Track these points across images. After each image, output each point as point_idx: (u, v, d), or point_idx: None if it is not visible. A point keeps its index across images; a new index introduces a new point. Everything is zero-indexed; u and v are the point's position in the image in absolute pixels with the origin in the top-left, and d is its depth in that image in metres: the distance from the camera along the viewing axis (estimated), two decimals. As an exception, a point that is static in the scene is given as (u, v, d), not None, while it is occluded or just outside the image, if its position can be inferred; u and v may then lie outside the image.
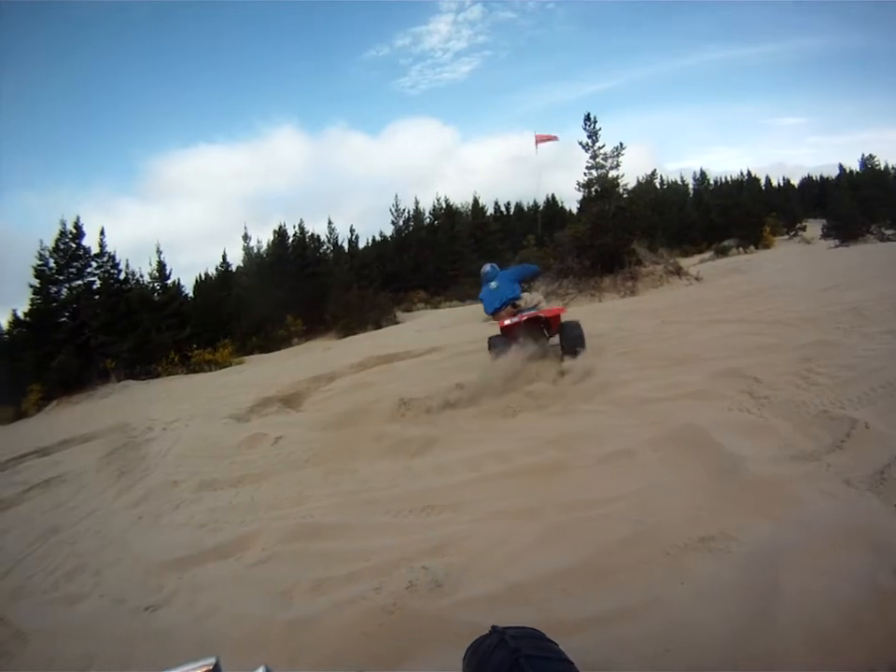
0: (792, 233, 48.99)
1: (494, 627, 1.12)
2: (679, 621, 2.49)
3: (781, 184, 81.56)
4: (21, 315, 30.97)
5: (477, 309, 25.36)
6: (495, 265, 9.08)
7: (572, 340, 8.00)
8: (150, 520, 5.81)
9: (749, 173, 75.01)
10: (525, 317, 8.00)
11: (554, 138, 15.46)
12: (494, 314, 8.69)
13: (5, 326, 33.04)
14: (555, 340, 8.39)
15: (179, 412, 12.17)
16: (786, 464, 3.69)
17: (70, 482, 8.40)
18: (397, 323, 30.86)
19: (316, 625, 3.07)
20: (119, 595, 4.22)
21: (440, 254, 44.24)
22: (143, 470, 7.75)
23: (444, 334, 15.47)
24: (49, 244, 29.10)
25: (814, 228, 45.41)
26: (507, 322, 8.13)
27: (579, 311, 14.44)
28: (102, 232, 30.42)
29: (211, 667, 0.96)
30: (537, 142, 15.19)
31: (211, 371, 25.69)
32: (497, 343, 8.08)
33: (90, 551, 5.38)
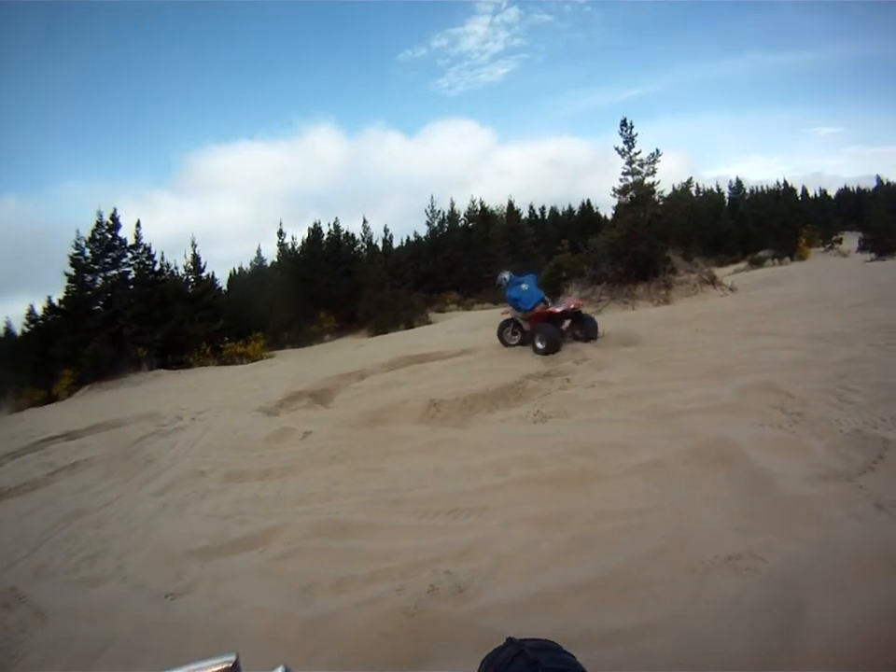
0: (828, 246, 47.84)
1: (510, 639, 1.06)
2: (700, 639, 2.41)
3: (818, 195, 79.76)
4: (55, 301, 31.63)
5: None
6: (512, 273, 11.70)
7: (590, 329, 10.52)
8: (175, 508, 5.84)
9: (785, 182, 73.49)
10: (573, 306, 10.75)
11: None
12: (531, 309, 10.86)
13: (40, 312, 33.62)
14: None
15: (209, 402, 12.28)
16: (816, 484, 3.57)
17: (97, 466, 8.49)
18: (429, 323, 30.86)
19: (336, 623, 3.04)
20: (141, 580, 4.24)
21: (473, 256, 44.16)
22: (170, 459, 7.82)
23: (476, 336, 15.33)
24: (86, 234, 29.73)
25: (850, 240, 44.33)
26: (559, 310, 10.56)
27: (611, 318, 14.30)
28: (138, 224, 30.92)
29: (231, 664, 0.94)
30: None
31: (242, 363, 25.91)
32: (511, 325, 11.49)
33: (113, 535, 5.42)
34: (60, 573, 4.84)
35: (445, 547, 3.67)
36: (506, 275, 11.72)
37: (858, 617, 2.20)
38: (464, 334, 17.99)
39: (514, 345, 11.10)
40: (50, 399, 26.52)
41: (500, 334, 11.55)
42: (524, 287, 11.19)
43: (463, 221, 49.22)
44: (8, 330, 37.41)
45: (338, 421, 7.88)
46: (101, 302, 29.08)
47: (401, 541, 3.92)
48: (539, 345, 10.02)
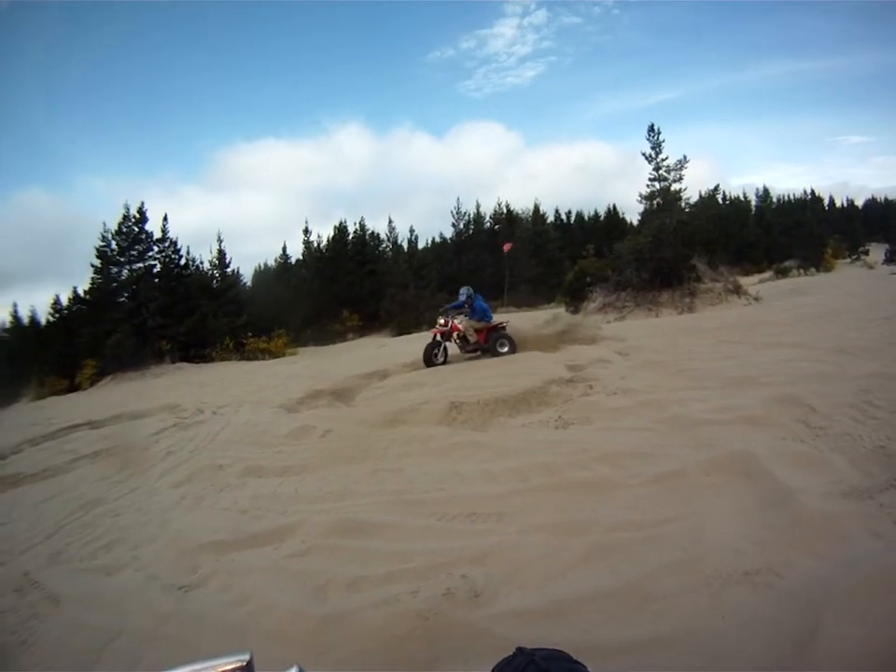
0: (855, 257, 47.27)
1: (520, 648, 1.03)
2: (714, 654, 2.38)
3: (845, 205, 78.59)
4: (81, 292, 32.27)
5: (533, 316, 25.24)
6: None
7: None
8: (193, 501, 5.88)
9: (812, 192, 72.82)
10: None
11: (510, 245, 17.15)
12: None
13: (65, 302, 34.35)
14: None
15: (230, 397, 12.38)
16: (837, 500, 3.50)
17: (117, 456, 8.57)
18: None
19: (349, 623, 3.03)
20: (155, 571, 4.25)
21: (498, 259, 44.03)
22: (190, 452, 7.89)
23: None
24: (113, 226, 30.36)
25: (877, 252, 43.76)
26: (494, 323, 12.33)
27: (634, 325, 14.25)
28: (165, 218, 31.47)
29: (244, 663, 0.91)
30: (505, 250, 18.02)
31: (264, 359, 26.11)
32: (440, 347, 11.96)
33: (130, 525, 5.47)
34: (75, 560, 4.88)
35: (462, 551, 3.65)
36: (470, 290, 12.66)
37: (875, 636, 2.17)
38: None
39: (439, 364, 11.65)
40: (73, 389, 27.15)
41: (429, 355, 11.77)
42: (484, 305, 12.58)
43: (488, 224, 49.19)
44: (34, 320, 38.08)
45: (358, 420, 7.89)
46: (126, 294, 29.72)
47: (418, 543, 3.90)
48: (503, 349, 11.57)
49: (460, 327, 11.90)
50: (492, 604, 3.03)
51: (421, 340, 22.19)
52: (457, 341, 12.05)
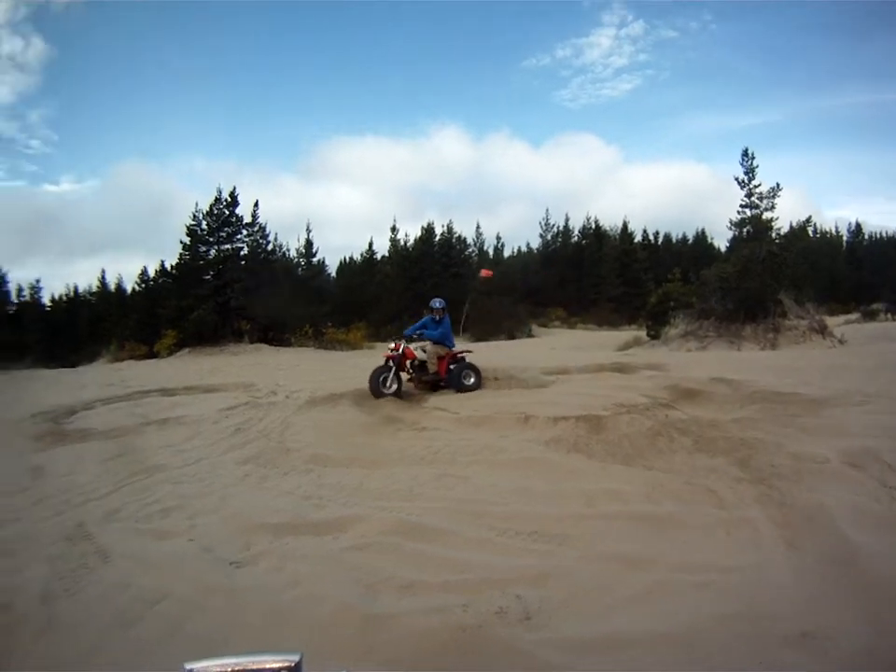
0: None
1: None
2: None
3: None
4: (168, 266, 34.03)
5: (614, 336, 24.86)
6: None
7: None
8: (256, 480, 5.99)
9: (909, 230, 68.71)
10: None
11: (490, 273, 15.87)
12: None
13: (152, 273, 36.66)
14: None
15: (305, 382, 12.55)
16: None
17: (186, 426, 8.83)
18: (531, 336, 30.81)
19: (395, 626, 3.01)
20: (209, 543, 4.33)
21: (583, 274, 43.63)
22: (259, 431, 8.05)
23: (577, 357, 15.02)
24: (205, 207, 31.53)
25: None
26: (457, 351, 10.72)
27: (717, 357, 13.71)
28: (256, 204, 32.45)
29: (293, 664, 0.90)
30: (482, 276, 16.27)
31: (342, 350, 26.47)
32: (391, 372, 9.91)
33: (190, 494, 5.61)
34: (130, 520, 5.04)
35: (519, 570, 3.60)
36: (444, 303, 11.00)
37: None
38: (565, 353, 17.68)
39: (389, 394, 9.72)
40: (150, 356, 28.65)
41: (376, 383, 9.80)
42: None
43: (576, 238, 48.68)
44: (119, 287, 40.27)
45: (429, 422, 7.84)
46: (211, 273, 30.78)
47: (476, 556, 3.84)
48: (468, 382, 10.17)
49: (417, 353, 10.38)
50: (542, 629, 2.97)
51: (498, 349, 22.20)
52: (410, 371, 10.42)
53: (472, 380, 10.18)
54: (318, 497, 5.26)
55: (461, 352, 10.87)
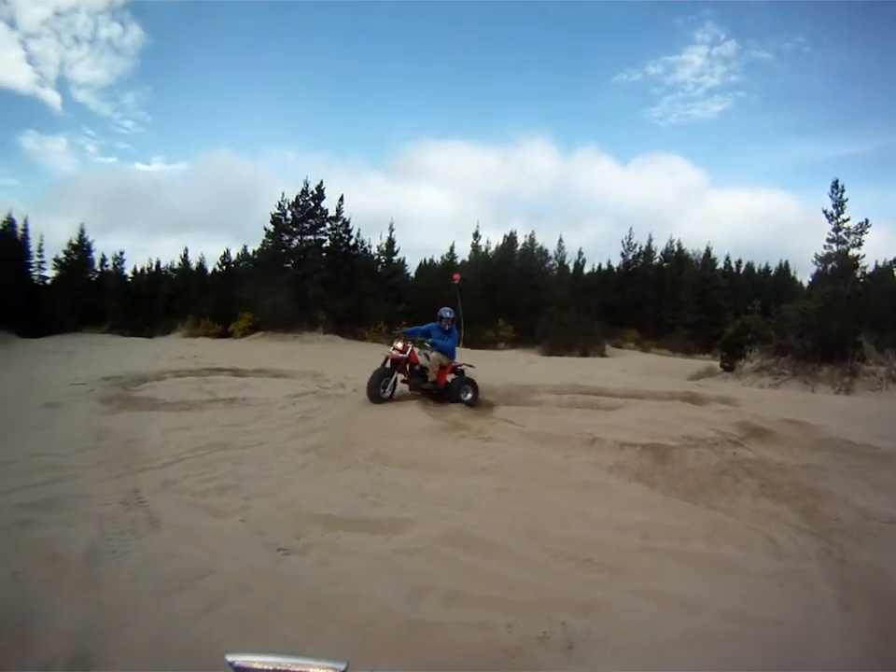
0: None
1: None
2: None
3: None
4: (250, 251, 35.71)
5: (686, 364, 24.19)
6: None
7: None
8: (315, 470, 6.01)
9: None
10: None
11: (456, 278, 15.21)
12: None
13: (233, 256, 38.03)
14: None
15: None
16: None
17: (253, 408, 8.98)
18: (603, 356, 30.37)
19: (434, 635, 2.94)
20: (260, 526, 4.34)
21: (662, 298, 42.60)
22: (324, 422, 8.13)
23: (648, 381, 14.70)
24: (291, 198, 32.69)
25: None
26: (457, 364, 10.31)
27: (782, 396, 13.15)
28: (341, 199, 33.39)
29: None
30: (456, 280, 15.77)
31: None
32: (392, 377, 9.53)
33: (248, 476, 5.66)
34: (186, 493, 5.11)
35: (568, 596, 3.48)
36: (454, 313, 10.57)
37: None
38: (637, 376, 17.35)
39: (385, 398, 9.36)
40: (224, 335, 29.93)
41: (375, 388, 9.38)
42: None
43: (658, 260, 47.69)
44: (201, 266, 41.75)
45: (496, 433, 7.70)
46: (292, 262, 31.96)
47: (526, 575, 3.74)
48: (466, 397, 9.88)
49: (420, 359, 9.92)
50: (583, 660, 2.90)
51: (571, 365, 21.98)
52: (407, 374, 9.93)
53: (469, 395, 9.96)
54: (375, 495, 5.23)
55: (461, 365, 10.54)
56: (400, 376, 9.78)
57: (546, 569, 3.85)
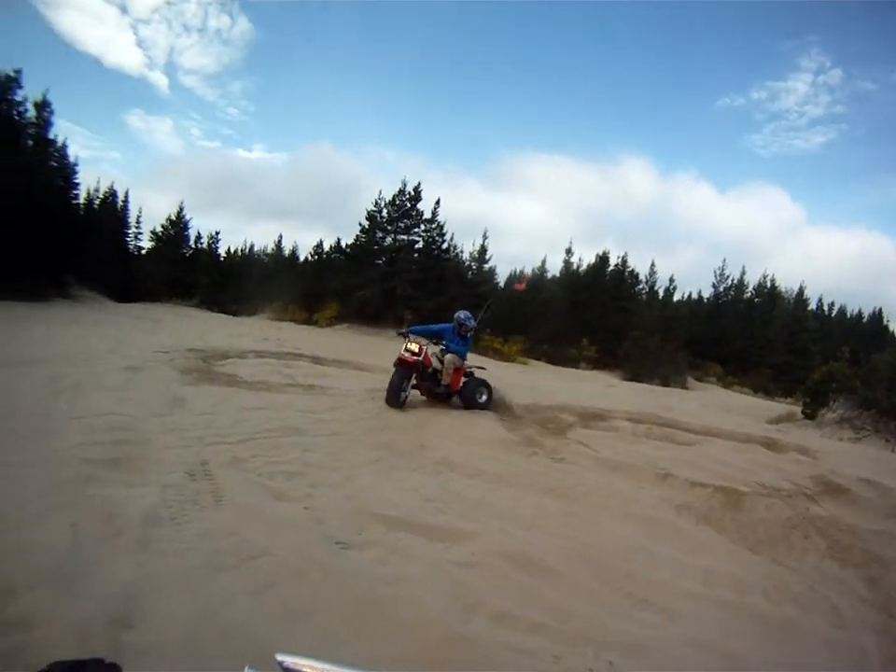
0: None
1: None
2: None
3: None
4: (344, 244, 36.63)
5: (767, 406, 23.35)
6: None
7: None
8: (384, 468, 6.02)
9: None
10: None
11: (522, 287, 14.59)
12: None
13: (326, 248, 39.64)
14: None
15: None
16: None
17: (331, 397, 9.12)
18: (684, 388, 29.56)
19: (479, 654, 2.89)
20: (322, 517, 4.36)
21: (750, 335, 41.31)
22: (399, 420, 8.18)
23: (728, 419, 14.26)
24: (387, 196, 33.68)
25: None
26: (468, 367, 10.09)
27: (861, 452, 12.44)
28: (438, 202, 33.90)
29: None
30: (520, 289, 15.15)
31: (494, 359, 26.61)
32: (410, 380, 9.24)
33: (318, 465, 5.71)
34: (254, 473, 5.18)
35: (619, 635, 3.36)
36: (475, 322, 10.24)
37: None
38: (716, 413, 16.85)
39: (401, 403, 8.96)
40: (309, 322, 31.19)
41: (397, 392, 8.95)
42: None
43: (749, 294, 46.21)
44: (293, 254, 43.78)
45: (570, 454, 7.58)
46: (384, 259, 32.70)
47: (581, 607, 3.64)
48: (481, 399, 9.80)
49: (433, 361, 9.54)
50: None
51: (650, 393, 21.53)
52: (419, 380, 9.48)
53: (484, 398, 9.81)
54: (441, 501, 5.20)
55: (472, 367, 10.33)
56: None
57: (601, 603, 3.76)
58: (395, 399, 8.89)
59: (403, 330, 9.99)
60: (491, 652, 2.90)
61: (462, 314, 10.02)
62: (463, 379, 9.90)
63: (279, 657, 0.98)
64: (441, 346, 9.86)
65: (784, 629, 3.81)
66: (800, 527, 5.76)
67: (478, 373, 10.34)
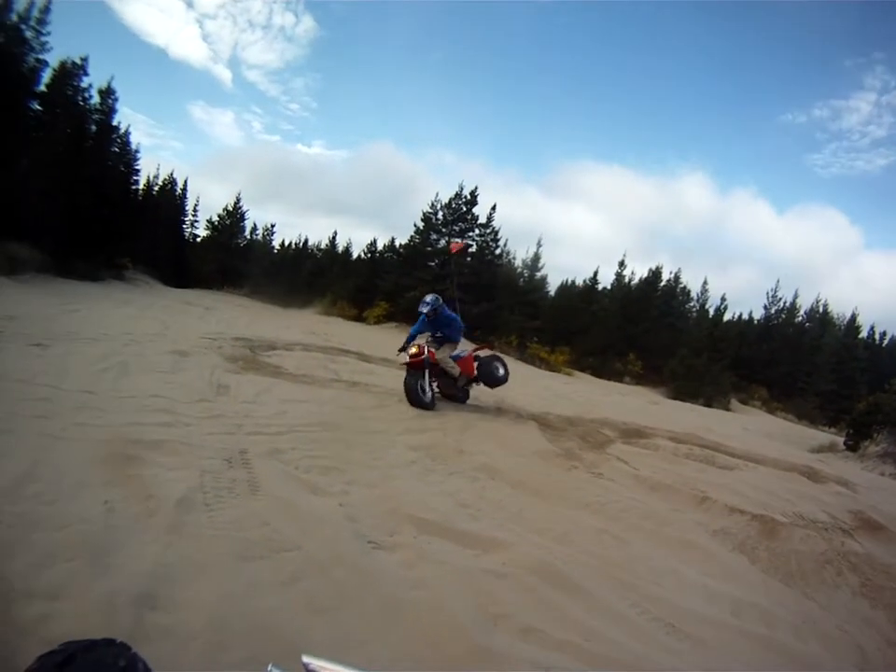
0: None
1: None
2: None
3: None
4: (397, 244, 37.00)
5: (810, 434, 22.78)
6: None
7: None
8: (421, 470, 6.02)
9: None
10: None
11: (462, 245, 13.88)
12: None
13: (380, 246, 39.67)
14: None
15: (500, 389, 12.37)
16: None
17: (374, 395, 9.20)
18: (727, 410, 28.99)
19: (501, 667, 2.86)
20: (356, 514, 4.38)
21: (797, 360, 40.23)
22: (440, 423, 8.17)
23: (770, 446, 13.96)
24: (444, 199, 33.84)
25: None
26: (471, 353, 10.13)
27: (894, 487, 12.06)
28: (493, 208, 33.91)
29: None
30: (452, 250, 15.42)
31: (540, 368, 26.53)
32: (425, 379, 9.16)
33: (355, 462, 5.74)
34: (291, 465, 5.24)
35: (643, 660, 3.30)
36: (438, 299, 9.75)
37: None
38: (758, 438, 16.57)
39: (427, 402, 8.96)
40: (357, 319, 31.51)
41: (415, 392, 8.97)
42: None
43: (800, 318, 45.02)
44: (347, 250, 44.50)
45: (609, 470, 7.48)
46: (436, 261, 32.78)
47: (607, 627, 3.58)
48: (499, 374, 9.85)
49: (438, 356, 9.36)
50: None
51: (693, 412, 21.23)
52: (434, 380, 9.40)
53: (501, 371, 9.79)
54: (476, 508, 5.17)
55: (476, 348, 10.45)
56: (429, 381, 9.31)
57: (628, 625, 3.70)
58: (415, 398, 8.93)
59: (402, 346, 9.63)
60: (513, 667, 2.87)
61: (421, 302, 9.75)
62: (476, 363, 9.90)
63: (305, 659, 0.98)
64: (428, 338, 9.76)
65: (808, 667, 3.76)
66: (834, 562, 5.64)
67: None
